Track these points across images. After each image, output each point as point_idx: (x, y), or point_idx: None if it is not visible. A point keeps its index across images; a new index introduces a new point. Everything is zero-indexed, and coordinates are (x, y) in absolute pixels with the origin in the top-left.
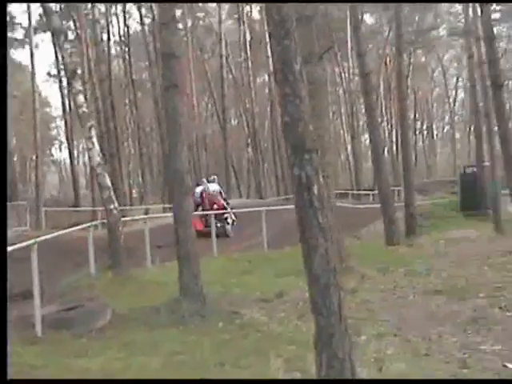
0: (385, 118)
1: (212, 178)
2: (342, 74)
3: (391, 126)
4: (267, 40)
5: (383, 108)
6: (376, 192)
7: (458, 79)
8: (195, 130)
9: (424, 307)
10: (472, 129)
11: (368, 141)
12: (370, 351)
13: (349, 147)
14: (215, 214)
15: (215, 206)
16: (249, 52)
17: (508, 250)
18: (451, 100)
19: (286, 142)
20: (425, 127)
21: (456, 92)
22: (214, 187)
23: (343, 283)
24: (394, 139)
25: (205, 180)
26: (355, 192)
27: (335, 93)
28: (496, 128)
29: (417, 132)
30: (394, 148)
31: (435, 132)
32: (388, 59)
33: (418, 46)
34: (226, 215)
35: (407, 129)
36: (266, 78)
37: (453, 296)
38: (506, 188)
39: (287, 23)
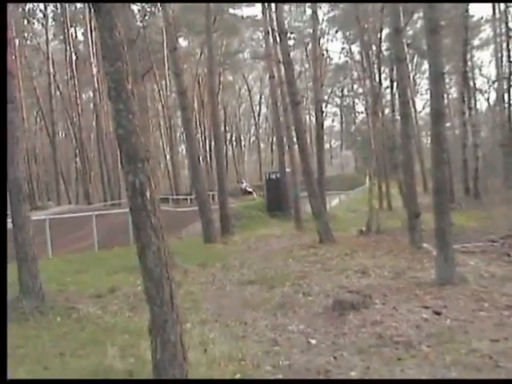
0: (199, 130)
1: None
2: (161, 92)
3: (205, 137)
4: (91, 60)
5: (198, 121)
6: (194, 196)
7: (261, 96)
8: (25, 142)
9: (239, 296)
10: (274, 139)
11: (185, 151)
12: (195, 335)
13: (168, 156)
14: None
15: None
16: (75, 70)
17: (307, 245)
18: (256, 114)
19: (120, 153)
20: (234, 138)
21: (260, 107)
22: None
23: None
24: (208, 149)
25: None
26: (175, 197)
27: (155, 108)
28: (295, 139)
29: (227, 142)
30: (208, 157)
31: (243, 142)
32: (200, 78)
33: (226, 67)
34: None
35: (219, 140)
36: (91, 94)
37: (264, 285)
38: (305, 191)
39: (119, 47)
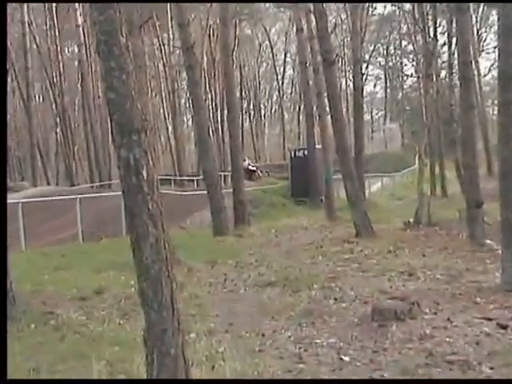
0: (209, 96)
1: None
2: (162, 47)
3: (216, 104)
4: (77, 7)
5: (207, 85)
6: (201, 177)
7: (286, 54)
8: None
9: (256, 300)
10: (302, 108)
11: (191, 121)
12: (201, 349)
13: (170, 128)
14: None
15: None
16: (55, 19)
17: (341, 239)
18: (279, 77)
19: (111, 121)
20: (252, 106)
21: (284, 68)
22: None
23: None
24: (220, 119)
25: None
26: (178, 178)
27: (154, 67)
28: (327, 108)
29: (243, 112)
30: (220, 129)
31: (263, 112)
32: (211, 31)
33: (243, 17)
34: None
35: (234, 108)
36: (76, 48)
37: (286, 288)
38: (339, 173)
39: None
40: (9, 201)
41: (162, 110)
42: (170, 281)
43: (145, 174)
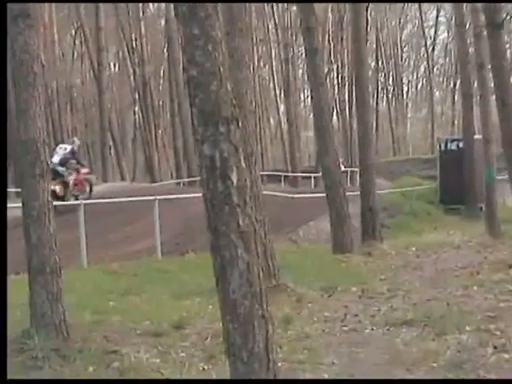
0: (334, 67)
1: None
2: (272, 3)
3: (342, 78)
4: None
5: (331, 52)
6: (320, 175)
7: (438, 12)
8: (55, 77)
9: (387, 345)
10: (458, 85)
11: (309, 99)
12: None
13: (281, 108)
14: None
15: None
16: None
17: (507, 263)
18: (429, 43)
19: (191, 107)
20: (390, 81)
21: (436, 31)
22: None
23: (272, 309)
24: (347, 98)
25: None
26: (290, 174)
27: (263, 29)
28: (492, 84)
29: (379, 88)
30: (347, 111)
31: (405, 89)
32: None
33: None
34: None
35: (365, 83)
36: (163, 4)
37: (427, 329)
38: (505, 173)
39: None
40: (67, 202)
41: (272, 85)
42: (264, 322)
43: (234, 179)
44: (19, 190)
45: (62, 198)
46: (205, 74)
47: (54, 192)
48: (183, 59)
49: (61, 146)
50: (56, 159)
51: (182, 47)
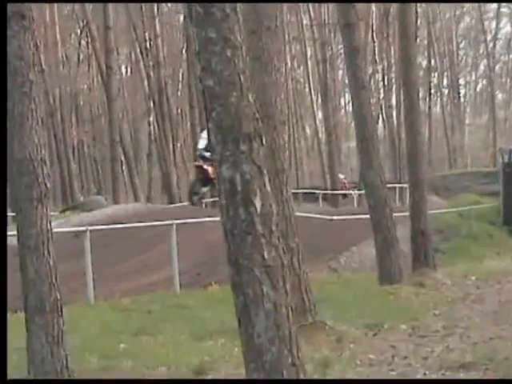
0: (378, 68)
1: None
2: None
3: (388, 80)
4: None
5: (376, 49)
6: (363, 191)
7: (500, 3)
8: (58, 84)
9: None
10: None
11: (350, 105)
12: None
13: (319, 115)
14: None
15: None
16: None
17: None
18: (489, 37)
19: (207, 122)
20: (445, 83)
21: (497, 24)
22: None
23: (308, 350)
24: (394, 102)
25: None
26: (329, 192)
27: (296, 25)
28: None
29: (432, 91)
30: (394, 117)
31: (463, 91)
32: None
33: None
34: None
35: (414, 86)
36: None
37: (490, 373)
38: None
39: None
40: (71, 228)
41: (307, 89)
42: (295, 371)
43: (258, 205)
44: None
45: (212, 182)
46: (223, 84)
47: (206, 172)
48: (198, 67)
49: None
50: (202, 144)
51: (196, 53)
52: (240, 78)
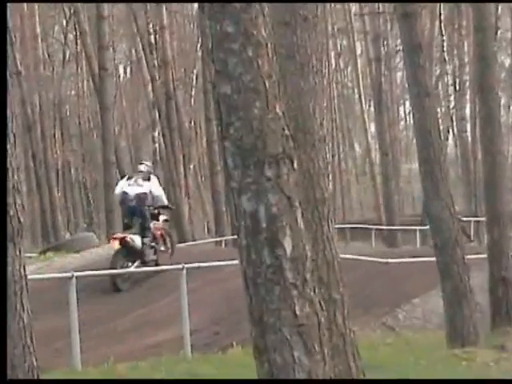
0: (448, 68)
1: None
2: None
3: (460, 84)
4: None
5: (444, 45)
6: (427, 227)
7: None
8: (38, 89)
9: None
10: None
11: (411, 117)
12: None
13: (371, 129)
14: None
15: None
16: None
17: None
18: None
19: (222, 141)
20: None
21: None
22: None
23: None
24: (468, 113)
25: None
26: (385, 227)
27: (342, 14)
28: None
29: None
30: (469, 132)
31: None
32: None
33: None
34: None
35: (494, 92)
36: None
37: None
38: None
39: None
40: (54, 273)
41: (356, 95)
42: None
43: (288, 246)
44: None
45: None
46: (243, 92)
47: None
48: (212, 69)
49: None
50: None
51: (210, 52)
52: (265, 84)
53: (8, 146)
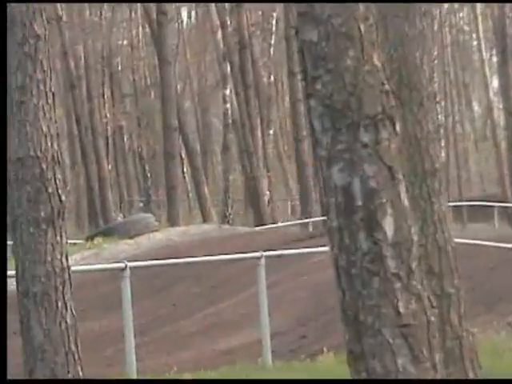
0: None
1: None
2: None
3: None
4: None
5: None
6: None
7: None
8: (84, 38)
9: None
10: None
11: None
12: None
13: (494, 84)
14: None
15: None
16: None
17: None
18: None
19: (307, 99)
20: None
21: None
22: None
23: None
24: None
25: None
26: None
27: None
28: None
29: None
30: None
31: None
32: None
33: None
34: None
35: None
36: None
37: None
38: None
39: None
40: (103, 263)
41: (474, 42)
42: None
43: (389, 229)
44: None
45: None
46: (332, 38)
47: None
48: (293, 11)
49: None
50: None
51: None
52: (360, 29)
53: (46, 108)
